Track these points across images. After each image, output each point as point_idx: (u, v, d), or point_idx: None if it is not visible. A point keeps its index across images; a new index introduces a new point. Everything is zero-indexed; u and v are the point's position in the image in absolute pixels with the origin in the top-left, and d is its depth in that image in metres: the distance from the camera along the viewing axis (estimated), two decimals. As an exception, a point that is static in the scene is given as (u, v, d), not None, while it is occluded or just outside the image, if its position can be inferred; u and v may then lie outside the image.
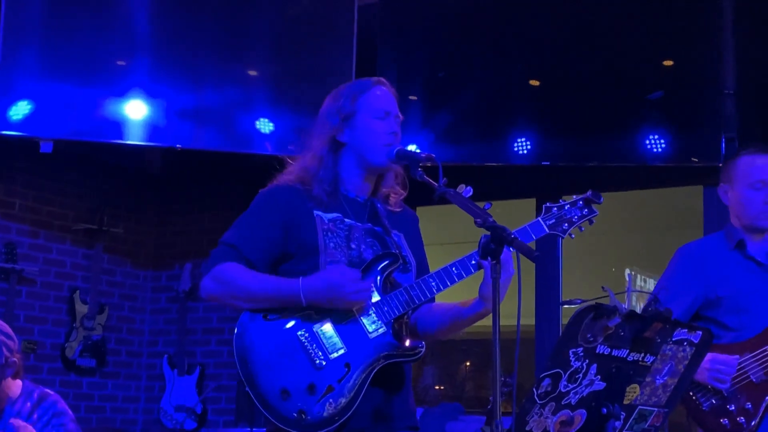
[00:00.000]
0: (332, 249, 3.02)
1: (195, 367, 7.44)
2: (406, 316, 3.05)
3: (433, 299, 3.11)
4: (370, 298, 2.98)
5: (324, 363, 2.93)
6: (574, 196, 3.07)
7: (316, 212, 3.06)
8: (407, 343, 3.00)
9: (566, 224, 3.03)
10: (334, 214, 3.08)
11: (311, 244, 3.02)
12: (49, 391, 4.00)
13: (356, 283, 2.91)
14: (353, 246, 3.06)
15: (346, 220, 3.09)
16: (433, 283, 2.99)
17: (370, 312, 2.98)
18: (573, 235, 3.05)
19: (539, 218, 3.03)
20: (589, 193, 3.05)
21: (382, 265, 3.03)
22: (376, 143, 3.10)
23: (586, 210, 3.06)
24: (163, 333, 7.76)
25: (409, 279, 3.10)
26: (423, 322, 3.17)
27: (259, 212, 3.11)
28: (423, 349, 2.98)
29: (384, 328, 2.97)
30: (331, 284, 2.90)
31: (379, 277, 3.01)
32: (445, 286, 2.99)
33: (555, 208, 3.05)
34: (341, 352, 2.95)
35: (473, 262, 2.97)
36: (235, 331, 3.00)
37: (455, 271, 2.98)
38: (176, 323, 7.60)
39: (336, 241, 3.04)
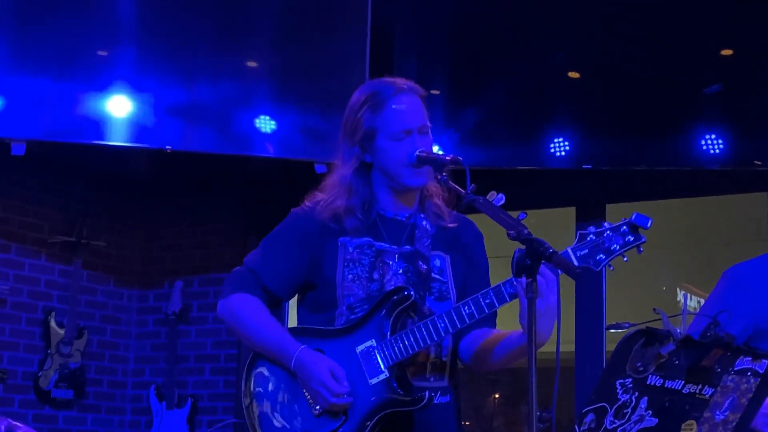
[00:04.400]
0: (350, 282, 3.13)
1: (186, 400, 7.44)
2: (435, 352, 3.12)
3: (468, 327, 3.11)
4: (341, 408, 3.04)
5: (321, 410, 3.07)
6: (623, 219, 2.94)
7: (341, 239, 3.16)
8: (411, 391, 3.03)
9: (603, 254, 2.92)
10: (363, 239, 3.16)
11: (330, 277, 3.14)
12: (18, 423, 4.00)
13: (335, 399, 3.01)
14: (376, 276, 3.13)
15: (376, 244, 3.16)
16: (442, 325, 3.02)
17: (374, 354, 3.06)
18: (612, 267, 2.94)
19: (569, 248, 2.95)
20: (633, 216, 2.90)
21: (391, 302, 3.07)
22: (398, 167, 3.15)
23: (631, 237, 2.91)
24: (151, 360, 7.76)
25: (446, 308, 3.12)
26: (467, 351, 3.22)
27: (285, 238, 3.25)
28: (426, 398, 3.00)
29: (386, 373, 3.03)
30: (315, 383, 3.03)
31: (388, 317, 3.06)
32: (455, 327, 3.02)
33: (592, 235, 2.93)
34: None
35: (487, 300, 2.98)
36: (245, 368, 3.23)
37: (467, 311, 3.00)
38: (165, 349, 7.61)
39: (356, 272, 3.13)
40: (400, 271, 3.15)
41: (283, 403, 3.12)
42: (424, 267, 3.16)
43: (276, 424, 3.11)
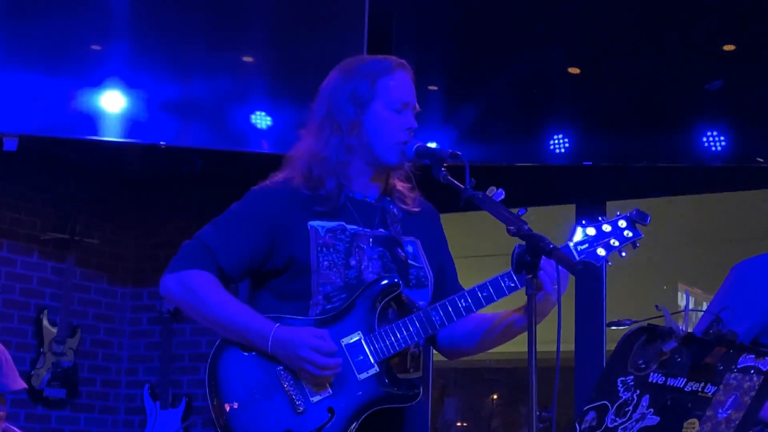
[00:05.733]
0: (326, 269, 3.01)
1: (181, 399, 7.44)
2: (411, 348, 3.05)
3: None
4: (335, 374, 2.94)
5: (304, 407, 2.93)
6: (617, 213, 3.00)
7: (311, 223, 3.05)
8: (402, 385, 2.98)
9: (603, 249, 2.95)
10: (335, 223, 3.07)
11: (303, 263, 3.02)
12: (12, 426, 4.00)
13: (327, 359, 2.89)
14: (353, 263, 3.03)
15: (349, 228, 3.07)
16: (437, 318, 2.98)
17: (362, 348, 2.97)
18: (610, 262, 2.98)
19: (569, 242, 2.96)
20: (634, 211, 2.97)
21: (378, 292, 3.00)
22: (389, 140, 3.08)
23: (630, 232, 2.96)
24: (145, 359, 7.77)
25: (424, 295, 3.10)
26: (451, 335, 3.17)
27: (245, 216, 3.11)
28: (419, 393, 2.97)
29: (376, 368, 2.96)
30: (302, 349, 2.89)
31: (374, 308, 2.99)
32: (451, 320, 2.98)
33: (591, 228, 2.97)
34: (325, 394, 2.95)
35: (485, 293, 2.96)
36: (209, 362, 3.04)
37: (463, 304, 2.97)
38: (159, 348, 7.60)
39: (332, 258, 3.02)
40: (375, 256, 3.06)
41: (257, 399, 2.95)
42: (402, 253, 3.10)
43: (249, 423, 2.95)
